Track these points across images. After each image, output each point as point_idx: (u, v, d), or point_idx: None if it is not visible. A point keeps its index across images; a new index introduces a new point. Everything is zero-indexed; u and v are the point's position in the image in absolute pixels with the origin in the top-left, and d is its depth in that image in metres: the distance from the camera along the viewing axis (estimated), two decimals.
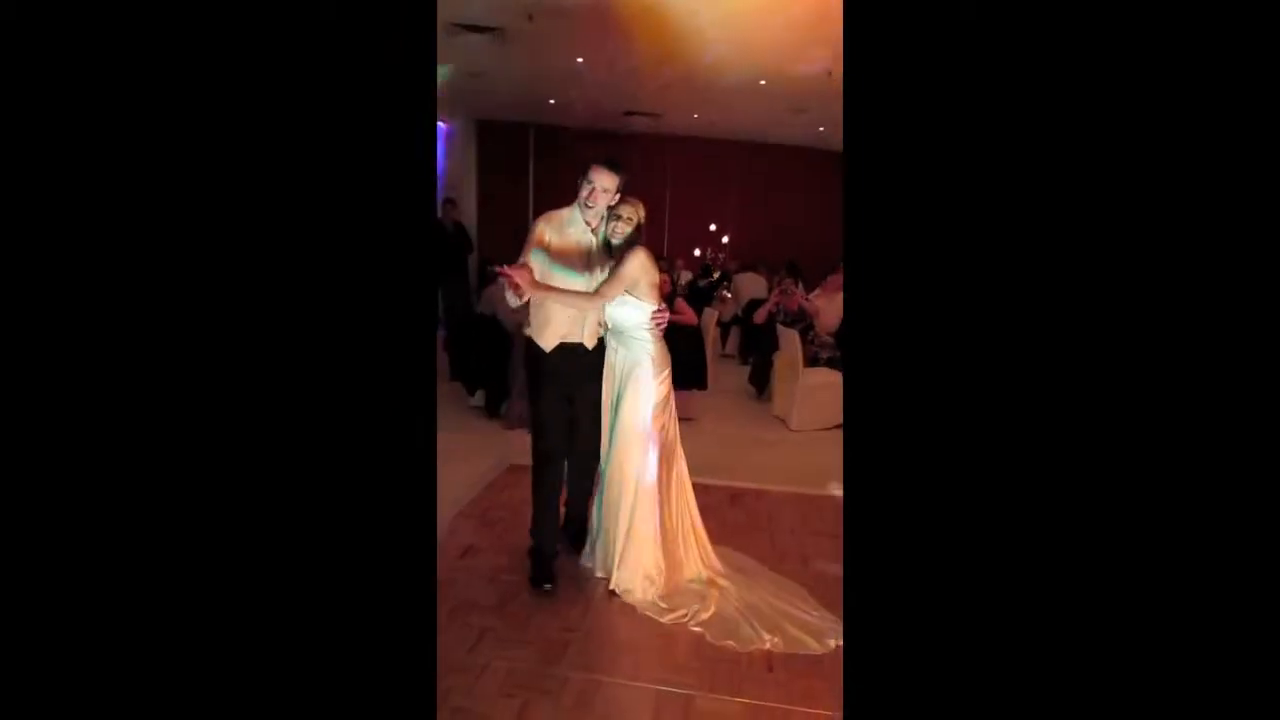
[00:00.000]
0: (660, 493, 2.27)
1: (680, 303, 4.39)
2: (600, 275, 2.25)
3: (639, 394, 2.25)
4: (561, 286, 2.17)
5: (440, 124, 8.13)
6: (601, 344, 2.33)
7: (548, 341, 2.25)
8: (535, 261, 2.15)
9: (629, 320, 2.25)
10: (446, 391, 4.82)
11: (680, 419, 4.35)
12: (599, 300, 2.20)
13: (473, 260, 6.75)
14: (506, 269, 2.00)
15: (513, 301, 2.13)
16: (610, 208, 2.23)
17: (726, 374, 5.77)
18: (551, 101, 7.12)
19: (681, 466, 2.36)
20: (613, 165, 2.21)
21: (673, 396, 2.34)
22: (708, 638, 2.03)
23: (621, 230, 2.23)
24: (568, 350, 2.27)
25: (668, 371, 2.29)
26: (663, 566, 2.26)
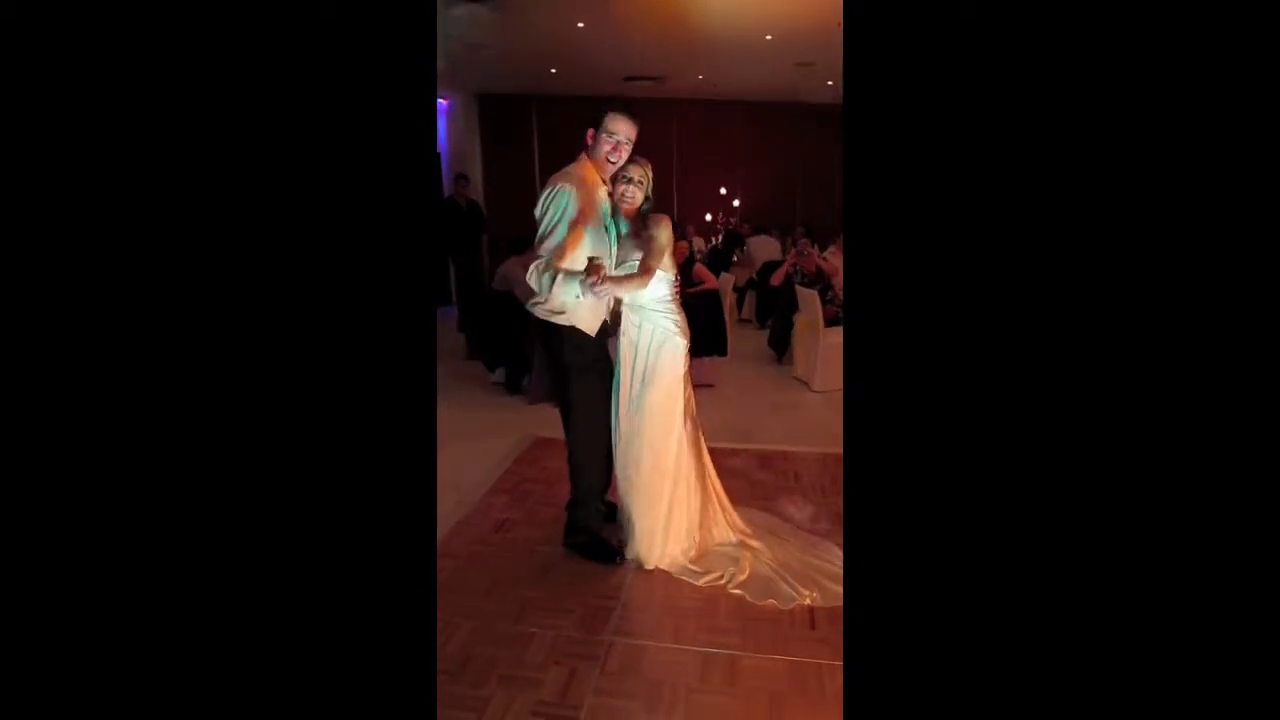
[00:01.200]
0: (696, 461, 2.27)
1: (700, 268, 4.35)
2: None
3: (672, 367, 2.17)
4: (591, 258, 1.99)
5: (440, 100, 8.03)
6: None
7: (593, 325, 2.11)
8: (571, 236, 1.97)
9: (653, 293, 2.14)
10: (465, 370, 4.85)
11: (702, 386, 4.34)
12: (649, 278, 2.04)
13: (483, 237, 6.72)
14: (596, 279, 1.82)
15: (585, 299, 1.93)
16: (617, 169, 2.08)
17: (745, 339, 5.74)
18: (553, 71, 6.99)
19: (698, 433, 2.34)
20: (631, 112, 2.04)
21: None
22: (748, 599, 2.05)
23: (633, 195, 2.10)
24: (601, 330, 2.18)
25: (688, 341, 2.24)
26: (696, 533, 2.28)
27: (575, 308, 2.04)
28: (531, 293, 2.07)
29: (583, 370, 2.15)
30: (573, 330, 2.11)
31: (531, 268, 1.98)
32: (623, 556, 2.25)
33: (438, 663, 1.78)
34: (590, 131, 2.07)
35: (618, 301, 2.20)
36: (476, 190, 7.83)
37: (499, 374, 4.44)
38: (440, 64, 6.33)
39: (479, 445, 3.34)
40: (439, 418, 0.89)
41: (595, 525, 2.31)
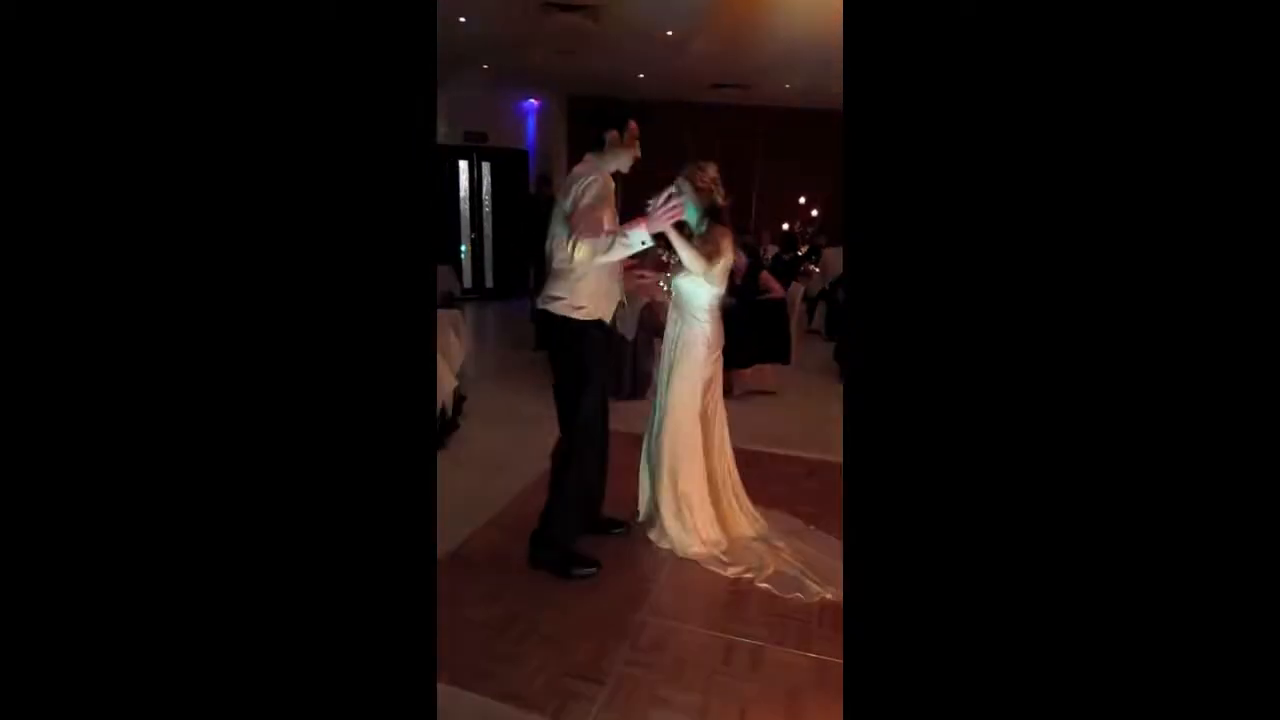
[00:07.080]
0: (708, 460, 2.40)
1: (766, 276, 4.40)
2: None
3: (692, 371, 2.33)
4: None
5: (531, 100, 8.37)
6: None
7: (607, 313, 2.21)
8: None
9: (695, 299, 2.32)
10: (532, 359, 5.06)
11: (761, 392, 4.37)
12: (693, 255, 2.19)
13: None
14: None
15: (648, 232, 2.02)
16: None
17: (812, 350, 5.72)
18: (641, 76, 7.16)
19: (724, 433, 2.47)
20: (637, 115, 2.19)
21: (720, 374, 2.42)
22: (774, 592, 2.14)
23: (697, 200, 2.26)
24: (606, 325, 2.26)
25: (719, 353, 2.37)
26: (717, 529, 2.41)
27: (596, 295, 2.12)
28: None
29: (585, 359, 2.17)
30: (585, 323, 2.14)
31: (581, 241, 1.99)
32: (598, 566, 2.23)
33: (487, 620, 1.95)
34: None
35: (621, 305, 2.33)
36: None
37: None
38: (533, 68, 6.61)
39: (538, 432, 3.52)
40: (501, 402, 0.97)
41: (565, 534, 2.27)
